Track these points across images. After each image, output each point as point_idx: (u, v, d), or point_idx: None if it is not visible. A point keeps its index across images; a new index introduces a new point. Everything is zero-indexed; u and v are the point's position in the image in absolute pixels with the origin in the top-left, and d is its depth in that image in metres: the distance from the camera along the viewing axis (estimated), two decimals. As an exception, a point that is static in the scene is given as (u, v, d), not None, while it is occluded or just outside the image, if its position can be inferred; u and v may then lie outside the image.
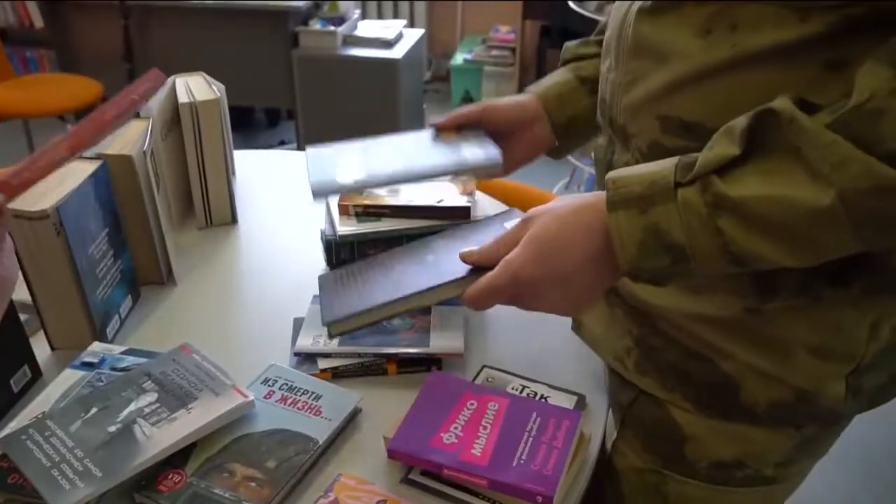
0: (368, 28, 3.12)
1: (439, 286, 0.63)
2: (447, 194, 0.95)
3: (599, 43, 0.81)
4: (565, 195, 0.61)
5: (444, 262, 0.66)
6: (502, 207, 1.15)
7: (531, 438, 0.66)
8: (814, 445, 0.68)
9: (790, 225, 0.48)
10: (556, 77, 0.84)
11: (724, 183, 0.49)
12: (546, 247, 0.57)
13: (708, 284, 0.61)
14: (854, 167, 0.45)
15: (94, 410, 0.67)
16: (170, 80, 1.10)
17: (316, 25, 3.00)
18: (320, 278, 0.72)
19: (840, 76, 0.49)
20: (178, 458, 0.65)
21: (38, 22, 3.75)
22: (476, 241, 0.64)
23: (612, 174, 0.55)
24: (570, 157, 2.63)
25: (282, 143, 3.59)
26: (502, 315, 0.90)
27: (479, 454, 0.64)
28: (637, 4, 0.60)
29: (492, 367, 0.80)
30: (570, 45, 0.87)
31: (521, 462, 0.64)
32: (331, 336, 0.66)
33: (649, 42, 0.58)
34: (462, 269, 0.63)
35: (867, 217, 0.46)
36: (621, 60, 0.62)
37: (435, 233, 0.91)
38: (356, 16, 3.20)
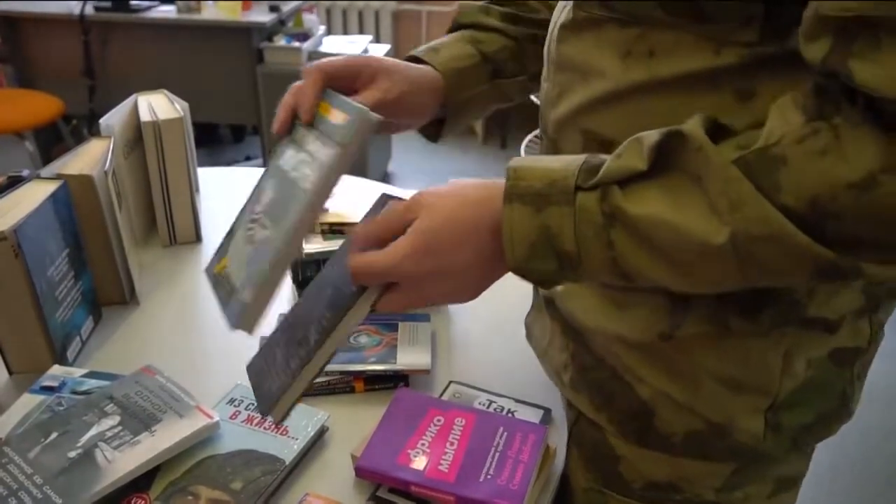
0: (334, 44, 3.13)
1: (344, 317, 0.57)
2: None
3: (504, 16, 0.78)
4: (461, 179, 0.58)
5: (341, 286, 0.59)
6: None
7: (498, 453, 0.67)
8: (765, 470, 0.66)
9: (679, 252, 0.48)
10: (455, 47, 0.76)
11: (624, 196, 0.49)
12: (435, 242, 0.54)
13: (630, 300, 0.61)
14: (751, 211, 0.44)
15: (53, 436, 0.66)
16: (132, 98, 1.09)
17: (281, 41, 3.00)
18: (249, 369, 0.66)
19: (749, 106, 0.50)
20: (142, 481, 0.64)
21: (-5, 37, 3.67)
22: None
23: (514, 162, 0.53)
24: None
25: (247, 159, 3.57)
26: (470, 330, 0.91)
27: (446, 470, 0.65)
28: (560, 19, 0.60)
29: (459, 383, 0.80)
30: (468, 7, 0.80)
31: (489, 477, 0.64)
32: (277, 423, 0.64)
33: (573, 58, 0.59)
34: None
35: (754, 262, 0.46)
36: (550, 72, 0.63)
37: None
38: (321, 31, 3.20)
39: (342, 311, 0.57)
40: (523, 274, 0.53)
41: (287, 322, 0.65)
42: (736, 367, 0.59)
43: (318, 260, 0.91)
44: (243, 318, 0.58)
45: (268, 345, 0.65)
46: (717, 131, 0.48)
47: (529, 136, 2.79)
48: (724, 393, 0.60)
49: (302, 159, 0.60)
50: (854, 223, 0.42)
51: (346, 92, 0.67)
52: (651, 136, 0.49)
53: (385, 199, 0.63)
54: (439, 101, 0.74)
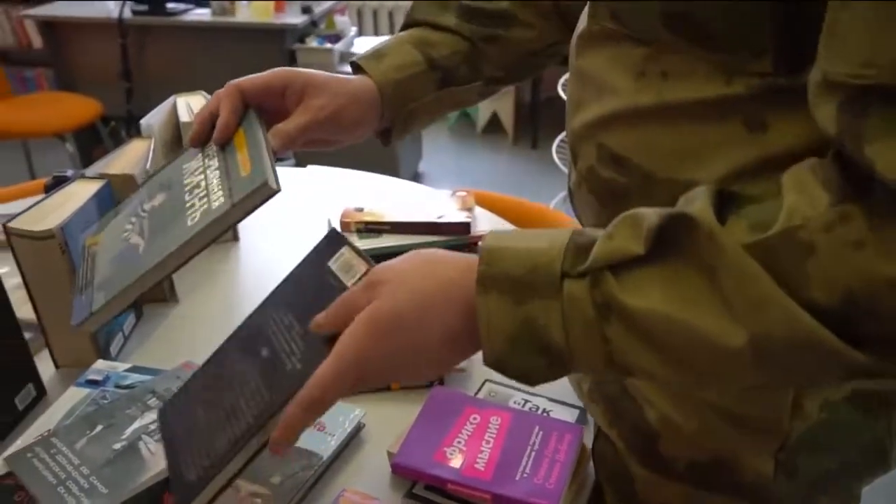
0: (365, 45, 3.15)
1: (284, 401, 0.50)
2: (447, 210, 0.96)
3: (461, 13, 0.73)
4: (423, 250, 0.51)
5: (279, 350, 0.54)
6: (500, 223, 1.16)
7: (534, 452, 0.67)
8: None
9: (688, 353, 0.42)
10: (401, 53, 0.72)
11: (618, 283, 0.42)
12: (394, 329, 0.47)
13: None
14: (773, 312, 0.39)
15: (99, 428, 0.68)
16: (171, 99, 1.11)
17: (313, 43, 3.03)
18: (162, 424, 0.59)
19: (761, 138, 0.48)
20: (184, 475, 0.65)
21: (37, 42, 3.78)
22: (306, 307, 0.54)
23: (489, 240, 0.46)
24: (566, 170, 2.65)
25: (279, 160, 3.61)
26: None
27: (482, 468, 0.65)
28: (578, 29, 0.59)
29: (494, 382, 0.80)
30: (424, 2, 0.75)
31: (525, 476, 0.64)
32: None
33: (588, 71, 0.57)
34: (301, 365, 0.51)
35: (775, 365, 0.41)
36: (571, 81, 0.60)
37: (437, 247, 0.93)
38: (353, 33, 3.23)
39: (284, 396, 0.50)
40: (504, 370, 0.46)
41: (214, 370, 0.59)
42: (739, 402, 0.56)
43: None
44: (87, 322, 0.58)
45: (188, 394, 0.60)
46: (726, 201, 0.43)
47: (560, 136, 2.77)
48: (727, 427, 0.57)
49: (199, 185, 0.59)
50: (894, 323, 0.38)
51: (274, 111, 0.66)
52: (649, 216, 0.43)
53: (338, 242, 0.57)
54: (378, 114, 0.71)
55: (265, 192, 0.55)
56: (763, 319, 0.39)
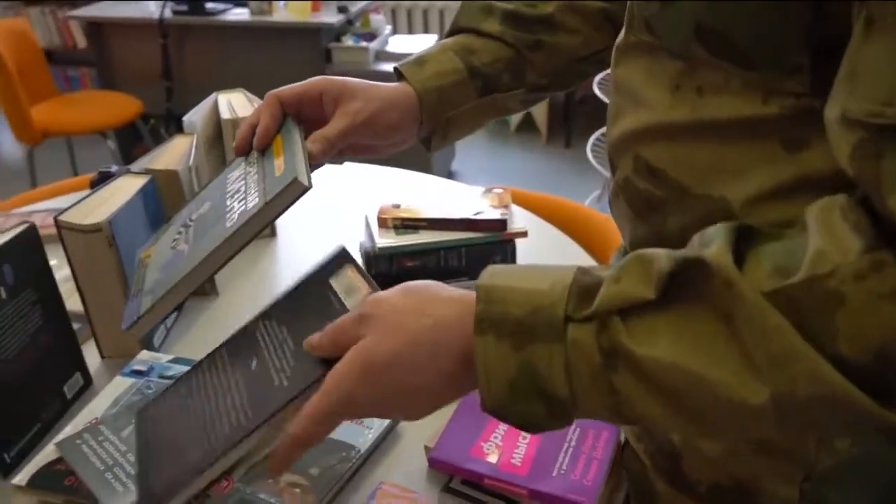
0: (400, 43, 3.17)
1: (264, 425, 0.50)
2: (482, 207, 0.96)
3: (506, 18, 0.73)
4: (418, 283, 0.49)
5: (269, 372, 0.53)
6: (535, 221, 1.16)
7: (571, 449, 0.67)
8: None
9: (704, 407, 0.39)
10: (442, 60, 0.72)
11: (627, 330, 0.40)
12: (387, 373, 0.45)
13: None
14: (798, 367, 0.36)
15: (144, 417, 0.70)
16: (212, 96, 1.13)
17: (348, 41, 3.06)
18: (140, 423, 0.59)
19: (798, 157, 0.46)
20: (225, 464, 0.66)
21: (81, 42, 3.88)
22: (301, 324, 0.54)
23: (486, 278, 0.44)
24: (601, 169, 2.64)
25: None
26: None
27: (518, 464, 0.65)
28: (617, 40, 0.58)
29: (529, 378, 0.80)
30: (469, 7, 0.74)
31: (562, 472, 0.64)
32: None
33: (626, 82, 0.56)
34: (289, 382, 0.51)
35: (798, 422, 0.38)
36: (611, 91, 0.60)
37: (469, 246, 0.93)
38: (387, 31, 3.25)
39: (263, 418, 0.50)
40: (504, 418, 0.44)
41: (202, 375, 0.59)
42: None
43: (391, 255, 0.92)
44: (136, 326, 0.59)
45: (171, 397, 0.60)
46: (742, 236, 0.40)
47: (595, 135, 2.75)
48: (749, 453, 0.55)
49: (240, 189, 0.61)
50: None
51: (314, 119, 0.67)
52: (660, 260, 0.40)
53: (341, 259, 0.57)
54: (416, 120, 0.71)
55: (296, 188, 0.56)
56: (787, 376, 0.36)
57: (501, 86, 0.75)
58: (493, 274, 0.45)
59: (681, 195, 0.52)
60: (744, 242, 0.40)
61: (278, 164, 0.60)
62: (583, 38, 0.77)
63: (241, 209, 0.58)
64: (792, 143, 0.46)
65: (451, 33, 0.77)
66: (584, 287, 0.42)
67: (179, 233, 0.63)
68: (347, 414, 0.47)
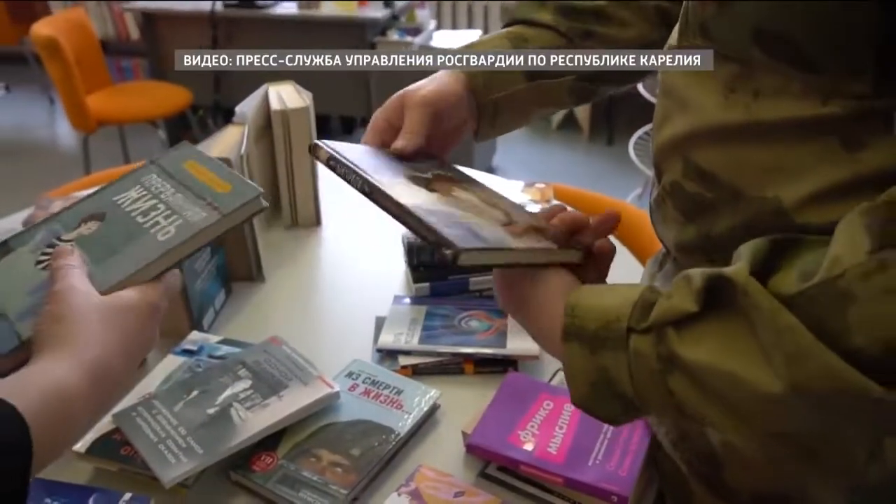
0: (444, 38, 3.18)
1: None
2: (523, 200, 0.97)
3: (559, 9, 0.74)
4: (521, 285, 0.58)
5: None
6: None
7: (606, 440, 0.67)
8: None
9: (739, 403, 0.44)
10: (491, 45, 0.74)
11: (679, 338, 0.45)
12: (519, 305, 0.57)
13: None
14: (811, 364, 0.40)
15: (195, 393, 0.73)
16: (263, 88, 1.16)
17: (393, 36, 3.08)
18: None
19: (857, 157, 0.46)
20: (270, 441, 0.69)
21: (134, 33, 3.99)
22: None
23: (573, 298, 0.51)
24: (643, 167, 2.61)
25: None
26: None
27: (555, 452, 0.66)
28: (668, 44, 0.58)
29: (567, 371, 0.81)
30: (525, 3, 0.76)
31: (597, 462, 0.65)
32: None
33: (676, 85, 0.57)
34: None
35: (821, 415, 0.42)
36: (659, 95, 0.60)
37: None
38: (432, 26, 3.26)
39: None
40: (590, 411, 0.51)
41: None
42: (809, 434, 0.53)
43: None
44: (16, 354, 0.50)
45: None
46: (780, 249, 0.44)
47: (638, 133, 2.73)
48: (795, 459, 0.53)
49: (156, 207, 0.60)
50: None
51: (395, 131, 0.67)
52: (695, 278, 0.46)
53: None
54: (467, 104, 0.71)
55: (256, 204, 0.59)
56: (801, 372, 0.40)
57: (549, 72, 0.74)
58: (578, 294, 0.52)
59: (733, 197, 0.52)
60: (782, 252, 0.44)
61: (210, 181, 0.62)
62: (636, 31, 0.77)
63: (177, 223, 0.58)
64: (852, 143, 0.46)
65: (506, 26, 0.78)
66: (645, 302, 0.48)
67: (46, 255, 0.58)
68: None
